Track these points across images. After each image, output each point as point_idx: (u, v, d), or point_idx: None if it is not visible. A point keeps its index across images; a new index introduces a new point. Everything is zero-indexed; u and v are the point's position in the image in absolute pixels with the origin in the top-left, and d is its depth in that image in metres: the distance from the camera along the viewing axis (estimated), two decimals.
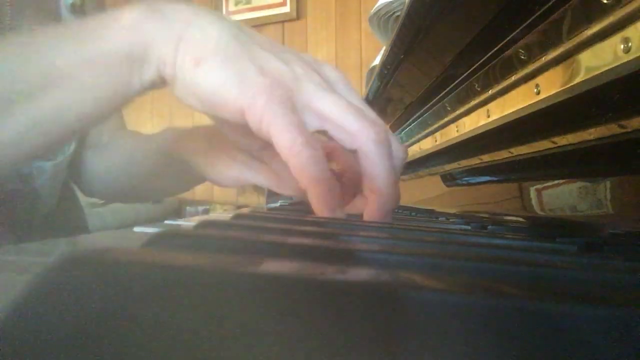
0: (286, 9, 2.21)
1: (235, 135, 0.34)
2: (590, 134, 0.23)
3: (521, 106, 0.29)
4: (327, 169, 0.26)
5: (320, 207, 0.26)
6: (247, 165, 0.39)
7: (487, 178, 0.42)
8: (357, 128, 0.27)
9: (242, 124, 0.27)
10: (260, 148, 0.35)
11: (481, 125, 0.36)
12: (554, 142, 0.27)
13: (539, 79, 0.27)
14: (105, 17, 0.30)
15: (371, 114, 0.29)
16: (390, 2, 0.72)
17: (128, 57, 0.29)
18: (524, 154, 0.31)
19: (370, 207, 0.27)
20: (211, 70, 0.27)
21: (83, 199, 0.61)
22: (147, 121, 2.46)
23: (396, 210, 0.30)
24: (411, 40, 0.45)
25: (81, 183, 0.57)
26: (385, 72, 0.57)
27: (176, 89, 0.29)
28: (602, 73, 0.21)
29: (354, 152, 0.27)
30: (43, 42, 0.30)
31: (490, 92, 0.34)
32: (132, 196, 0.61)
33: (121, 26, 0.29)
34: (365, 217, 0.27)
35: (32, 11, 0.50)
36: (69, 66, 0.29)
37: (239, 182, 0.39)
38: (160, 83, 0.30)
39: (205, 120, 0.35)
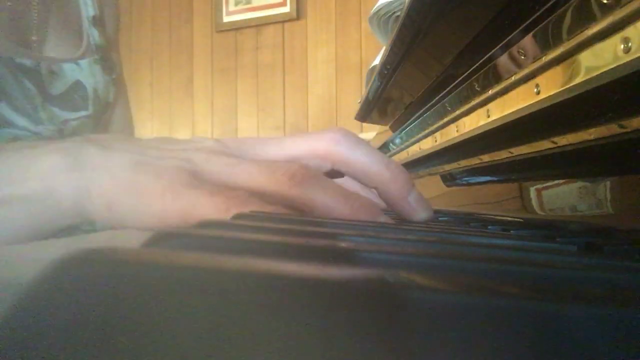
0: (286, 9, 2.21)
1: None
2: (590, 134, 0.23)
3: (521, 106, 0.29)
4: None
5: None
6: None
7: (487, 178, 0.42)
8: (274, 187, 0.27)
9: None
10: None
11: (481, 125, 0.36)
12: (554, 142, 0.27)
13: (539, 79, 0.27)
14: (26, 159, 0.30)
15: (290, 146, 0.30)
16: (390, 2, 0.72)
17: (40, 205, 0.29)
18: (524, 154, 0.31)
19: (390, 201, 0.27)
20: (122, 208, 0.28)
21: None
22: (147, 121, 2.46)
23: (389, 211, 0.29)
24: (411, 40, 0.45)
25: None
26: (385, 72, 0.57)
27: (105, 227, 0.30)
28: (602, 73, 0.21)
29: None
30: None
31: (490, 92, 0.34)
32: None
33: (36, 173, 0.29)
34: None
35: (56, 20, 0.51)
36: None
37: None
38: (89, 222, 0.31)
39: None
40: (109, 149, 0.30)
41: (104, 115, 0.60)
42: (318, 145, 0.29)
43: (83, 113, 0.56)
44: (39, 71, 0.50)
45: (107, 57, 0.58)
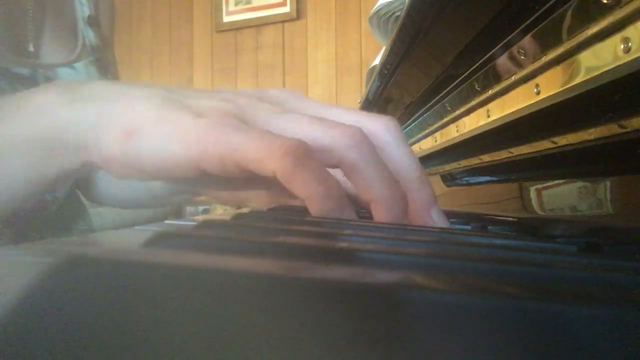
0: (286, 9, 2.21)
1: (212, 188, 0.31)
2: (590, 134, 0.23)
3: (521, 106, 0.29)
4: (325, 173, 0.24)
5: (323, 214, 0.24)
6: (243, 179, 0.38)
7: (487, 178, 0.42)
8: (328, 141, 0.24)
9: (208, 174, 0.24)
10: (244, 182, 0.32)
11: (481, 125, 0.36)
12: (554, 142, 0.27)
13: (539, 79, 0.27)
14: (17, 99, 0.27)
15: (337, 115, 0.26)
16: (390, 2, 0.72)
17: (42, 145, 0.26)
18: (524, 154, 0.31)
19: (377, 216, 0.25)
20: (146, 138, 0.24)
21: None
22: None
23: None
24: (411, 40, 0.45)
25: (85, 191, 0.57)
26: (385, 72, 0.57)
27: (113, 170, 0.26)
28: (602, 73, 0.21)
29: (335, 167, 0.25)
30: None
31: (490, 92, 0.34)
32: (134, 204, 0.62)
33: (34, 112, 0.26)
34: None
35: (51, 24, 0.51)
36: None
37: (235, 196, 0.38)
38: (89, 170, 0.28)
39: None
40: (123, 84, 0.27)
41: None
42: (368, 125, 0.26)
43: None
44: (35, 79, 0.49)
45: (102, 57, 0.58)
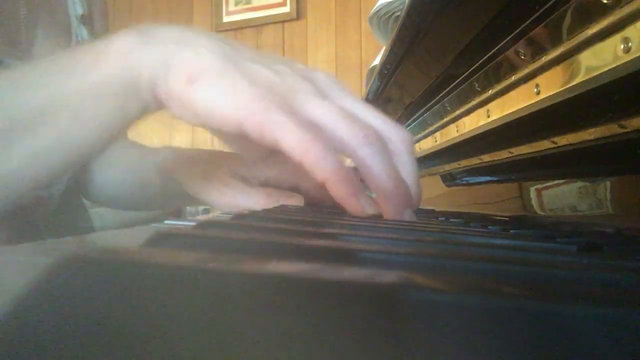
0: (286, 9, 2.21)
1: (240, 147, 0.35)
2: (590, 134, 0.23)
3: (521, 106, 0.29)
4: (339, 160, 0.26)
5: (343, 195, 0.26)
6: (240, 191, 0.40)
7: (487, 178, 0.42)
8: (348, 136, 0.27)
9: (244, 135, 0.27)
10: (266, 155, 0.36)
11: (481, 125, 0.36)
12: (554, 142, 0.27)
13: (539, 79, 0.27)
14: (96, 46, 0.30)
15: (366, 114, 0.29)
16: (390, 2, 0.72)
17: (121, 84, 0.29)
18: (524, 154, 0.31)
19: (383, 210, 0.28)
20: (205, 87, 0.27)
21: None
22: (147, 121, 2.45)
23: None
24: (411, 40, 0.45)
25: (82, 188, 0.57)
26: (385, 72, 0.57)
27: (173, 108, 0.29)
28: (602, 73, 0.21)
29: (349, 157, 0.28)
30: (37, 76, 0.31)
31: (490, 92, 0.34)
32: (129, 205, 0.62)
33: (112, 54, 0.29)
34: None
35: (45, 22, 0.51)
36: (64, 98, 0.29)
37: (231, 206, 0.40)
38: (157, 106, 0.31)
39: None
40: (192, 32, 0.30)
41: None
42: (389, 130, 0.29)
43: None
44: None
45: None
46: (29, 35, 0.50)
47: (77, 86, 0.30)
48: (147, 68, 0.29)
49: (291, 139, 0.25)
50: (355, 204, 0.27)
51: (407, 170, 0.29)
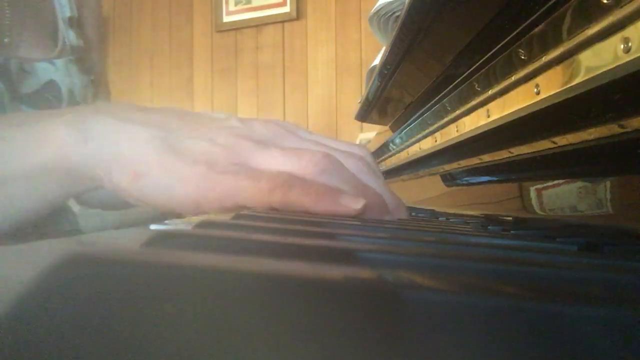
0: (286, 9, 2.21)
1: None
2: (590, 134, 0.23)
3: (521, 106, 0.29)
4: (303, 184, 0.27)
5: (330, 209, 0.27)
6: None
7: (487, 178, 0.42)
8: (300, 170, 0.28)
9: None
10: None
11: (481, 125, 0.36)
12: (554, 142, 0.27)
13: (539, 79, 0.27)
14: (32, 131, 0.31)
15: (310, 144, 0.31)
16: (390, 2, 0.72)
17: (57, 179, 0.30)
18: (524, 154, 0.31)
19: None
20: (152, 184, 0.29)
21: None
22: None
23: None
24: (411, 40, 0.45)
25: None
26: (385, 72, 0.57)
27: (123, 197, 0.31)
28: (602, 73, 0.21)
29: None
30: None
31: (490, 92, 0.34)
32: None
33: (50, 148, 0.30)
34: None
35: (31, 22, 0.52)
36: None
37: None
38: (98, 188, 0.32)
39: None
40: (127, 121, 0.31)
41: None
42: (342, 152, 0.31)
43: None
44: (8, 68, 0.50)
45: (85, 57, 0.59)
46: (12, 34, 0.50)
47: (8, 169, 0.30)
48: (88, 167, 0.30)
49: (251, 195, 0.27)
50: (345, 210, 0.27)
51: (372, 181, 0.30)
